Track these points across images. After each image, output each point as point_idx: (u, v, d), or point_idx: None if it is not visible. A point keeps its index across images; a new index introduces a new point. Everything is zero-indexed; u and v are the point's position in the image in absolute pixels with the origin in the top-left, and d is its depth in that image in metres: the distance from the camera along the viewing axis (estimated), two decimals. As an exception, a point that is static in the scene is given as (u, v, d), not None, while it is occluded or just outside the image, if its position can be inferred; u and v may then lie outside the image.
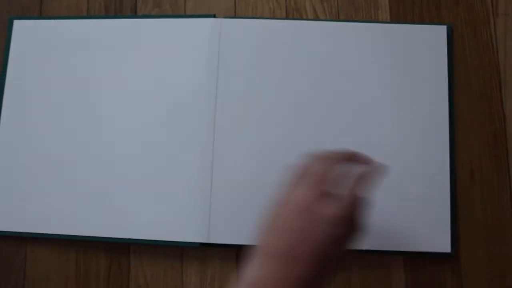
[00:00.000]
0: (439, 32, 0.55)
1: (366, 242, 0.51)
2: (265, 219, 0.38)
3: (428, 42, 0.55)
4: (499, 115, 0.54)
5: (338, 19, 0.57)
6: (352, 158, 0.41)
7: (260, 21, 0.56)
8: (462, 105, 0.54)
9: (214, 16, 0.57)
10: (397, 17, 0.57)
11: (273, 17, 0.58)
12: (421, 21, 0.56)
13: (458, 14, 0.57)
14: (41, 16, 0.60)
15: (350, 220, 0.37)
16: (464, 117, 0.54)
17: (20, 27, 0.59)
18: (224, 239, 0.52)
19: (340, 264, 0.37)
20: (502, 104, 0.54)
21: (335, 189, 0.38)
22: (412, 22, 0.56)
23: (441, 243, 0.51)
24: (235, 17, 0.58)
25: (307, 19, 0.57)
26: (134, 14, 0.59)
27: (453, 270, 0.52)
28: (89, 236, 0.53)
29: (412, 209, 0.52)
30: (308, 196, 0.37)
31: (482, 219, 0.52)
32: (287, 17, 0.58)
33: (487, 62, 0.55)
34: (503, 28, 0.56)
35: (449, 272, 0.52)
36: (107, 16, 0.59)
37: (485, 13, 0.56)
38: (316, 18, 0.57)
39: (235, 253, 0.53)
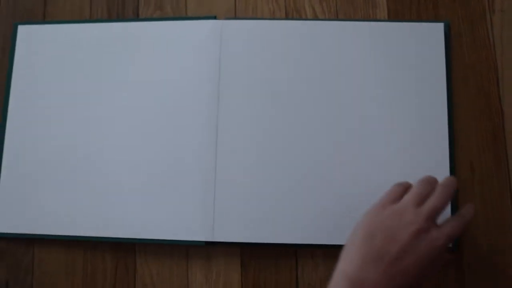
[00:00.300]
0: (436, 30, 0.56)
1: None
2: (372, 221, 0.43)
3: (425, 40, 0.56)
4: (497, 111, 0.55)
5: (337, 18, 0.58)
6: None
7: (261, 21, 0.57)
8: (460, 102, 0.55)
9: (215, 17, 0.58)
10: (395, 15, 0.58)
11: (273, 17, 0.59)
12: (419, 19, 0.57)
13: (455, 11, 0.57)
14: (44, 20, 0.61)
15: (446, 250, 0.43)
16: (462, 113, 0.55)
17: (25, 31, 0.60)
18: (228, 237, 0.53)
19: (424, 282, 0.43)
20: (500, 100, 0.55)
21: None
22: (410, 19, 0.57)
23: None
24: (235, 18, 0.59)
25: (307, 19, 0.58)
26: (136, 17, 0.60)
27: (456, 263, 0.52)
28: (95, 237, 0.54)
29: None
30: (428, 221, 0.42)
31: (483, 213, 0.53)
32: (286, 17, 0.59)
33: (484, 58, 0.56)
34: (500, 25, 0.57)
35: (452, 266, 0.52)
36: (109, 19, 0.60)
37: (482, 9, 0.57)
38: (316, 17, 0.58)
39: (239, 251, 0.54)
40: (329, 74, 0.55)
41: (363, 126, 0.54)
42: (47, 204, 0.55)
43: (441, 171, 0.53)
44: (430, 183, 0.45)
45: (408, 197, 0.44)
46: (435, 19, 0.57)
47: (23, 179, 0.56)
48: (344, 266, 0.41)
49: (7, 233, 0.55)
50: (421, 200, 0.44)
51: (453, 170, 0.53)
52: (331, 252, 0.53)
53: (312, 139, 0.54)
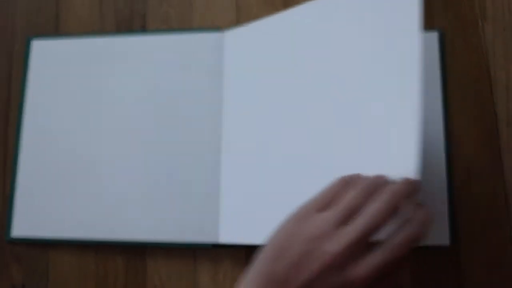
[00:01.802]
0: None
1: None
2: (289, 233, 0.37)
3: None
4: (491, 115, 0.57)
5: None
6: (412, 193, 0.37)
7: (257, 23, 0.59)
8: (455, 106, 0.57)
9: (218, 29, 0.61)
10: (390, 25, 0.60)
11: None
12: (414, 28, 0.60)
13: (448, 19, 0.59)
14: (57, 34, 0.64)
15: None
16: (458, 118, 0.57)
17: (38, 46, 0.63)
18: (234, 239, 0.55)
19: None
20: (494, 104, 0.57)
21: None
22: (405, 29, 0.60)
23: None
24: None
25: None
26: (143, 30, 0.63)
27: (453, 261, 0.54)
28: (107, 240, 0.56)
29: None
30: (347, 252, 0.34)
31: (479, 212, 0.54)
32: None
33: (478, 64, 0.58)
34: (492, 32, 0.59)
35: (450, 264, 0.54)
36: (119, 32, 0.63)
37: (474, 18, 0.59)
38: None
39: (245, 253, 0.56)
40: (325, 80, 0.57)
41: (360, 128, 0.56)
42: (61, 209, 0.57)
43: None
44: (370, 191, 0.37)
45: (334, 212, 0.36)
46: (429, 27, 0.59)
47: (39, 185, 0.59)
48: (249, 279, 0.36)
49: (24, 238, 0.58)
50: (350, 215, 0.36)
51: (450, 170, 0.55)
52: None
53: (317, 141, 0.55)
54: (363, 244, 0.34)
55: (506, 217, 0.54)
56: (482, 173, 0.56)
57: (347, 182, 0.39)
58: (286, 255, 0.35)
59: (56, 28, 0.64)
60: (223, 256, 0.56)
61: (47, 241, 0.57)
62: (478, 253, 0.54)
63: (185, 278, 0.56)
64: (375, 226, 0.34)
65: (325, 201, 0.38)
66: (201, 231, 0.55)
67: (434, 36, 0.58)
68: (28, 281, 0.58)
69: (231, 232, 0.55)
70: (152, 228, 0.56)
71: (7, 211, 0.59)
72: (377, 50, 0.51)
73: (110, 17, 0.64)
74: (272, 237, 0.37)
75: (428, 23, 0.60)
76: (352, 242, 0.34)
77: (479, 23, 0.59)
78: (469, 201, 0.55)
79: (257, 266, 0.36)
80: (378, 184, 0.37)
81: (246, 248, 0.56)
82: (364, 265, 0.34)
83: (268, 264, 0.35)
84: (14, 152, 0.60)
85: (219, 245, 0.55)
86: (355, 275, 0.33)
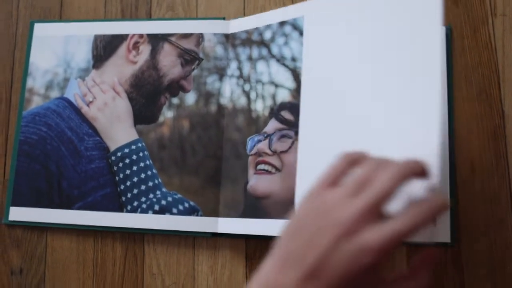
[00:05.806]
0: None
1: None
2: (304, 210, 0.35)
3: None
4: (498, 112, 0.56)
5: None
6: (419, 173, 0.35)
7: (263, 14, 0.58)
8: (462, 102, 0.56)
9: (223, 18, 0.60)
10: (398, 18, 0.59)
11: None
12: (422, 22, 0.59)
13: (458, 14, 0.59)
14: (61, 20, 0.63)
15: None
16: (464, 113, 0.56)
17: (40, 29, 0.62)
18: (233, 229, 0.55)
19: None
20: (501, 101, 0.56)
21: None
22: (413, 22, 0.59)
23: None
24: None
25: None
26: (149, 17, 0.62)
27: (454, 259, 0.53)
28: (106, 226, 0.56)
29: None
30: (362, 219, 0.32)
31: (483, 210, 0.54)
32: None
33: (486, 61, 0.57)
34: (502, 28, 0.58)
35: (450, 261, 0.53)
36: (123, 19, 0.62)
37: (484, 14, 0.58)
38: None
39: (244, 243, 0.56)
40: (333, 76, 0.57)
41: (366, 123, 0.56)
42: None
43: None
44: (377, 167, 0.35)
45: (344, 187, 0.35)
46: (438, 22, 0.58)
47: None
48: (267, 262, 0.34)
49: (22, 221, 0.58)
50: (360, 188, 0.34)
51: (453, 167, 0.54)
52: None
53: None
54: (374, 214, 0.33)
55: (509, 216, 0.53)
56: (486, 171, 0.55)
57: (353, 159, 0.37)
58: (300, 235, 0.34)
59: (60, 15, 0.64)
60: (222, 246, 0.56)
61: (45, 224, 0.57)
62: (480, 251, 0.53)
63: (184, 266, 0.56)
64: (383, 196, 0.33)
65: (333, 178, 0.36)
66: (201, 220, 0.55)
67: (441, 30, 0.57)
68: (26, 265, 0.58)
69: (232, 222, 0.55)
70: (153, 216, 0.56)
71: (6, 195, 0.59)
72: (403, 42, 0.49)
73: (115, 5, 0.63)
74: (290, 219, 0.36)
75: (437, 17, 0.59)
76: (362, 210, 0.32)
77: (489, 19, 0.58)
78: (472, 198, 0.54)
79: (275, 249, 0.34)
80: (384, 161, 0.35)
81: (246, 239, 0.56)
82: (377, 231, 0.32)
83: (283, 245, 0.34)
84: (15, 136, 0.60)
85: (218, 234, 0.55)
86: (369, 241, 0.31)
